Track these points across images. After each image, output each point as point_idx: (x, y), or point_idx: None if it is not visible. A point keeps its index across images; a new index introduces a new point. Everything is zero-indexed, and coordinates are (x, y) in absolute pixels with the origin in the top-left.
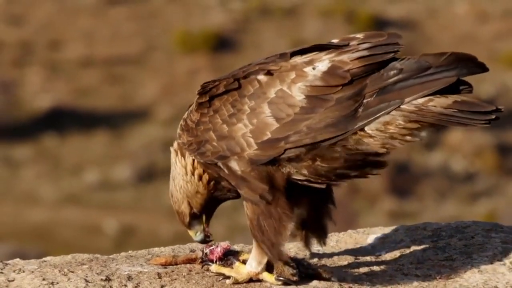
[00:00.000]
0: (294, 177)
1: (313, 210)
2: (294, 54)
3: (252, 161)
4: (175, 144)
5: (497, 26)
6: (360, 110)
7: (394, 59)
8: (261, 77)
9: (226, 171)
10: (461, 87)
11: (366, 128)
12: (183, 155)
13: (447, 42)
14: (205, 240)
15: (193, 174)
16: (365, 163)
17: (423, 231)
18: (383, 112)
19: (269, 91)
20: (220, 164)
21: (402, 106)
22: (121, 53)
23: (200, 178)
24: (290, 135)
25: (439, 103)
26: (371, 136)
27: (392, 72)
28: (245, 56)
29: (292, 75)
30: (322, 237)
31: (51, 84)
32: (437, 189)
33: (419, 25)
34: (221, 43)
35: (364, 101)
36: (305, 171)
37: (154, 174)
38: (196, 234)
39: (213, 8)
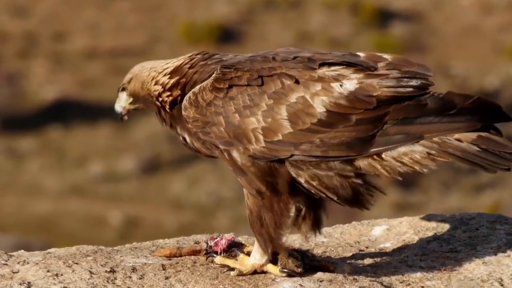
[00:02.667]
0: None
1: (309, 199)
2: (322, 64)
3: (256, 156)
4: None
5: (501, 18)
6: (377, 136)
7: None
8: (286, 80)
9: (226, 156)
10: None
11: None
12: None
13: (452, 34)
14: (119, 114)
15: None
16: (354, 200)
17: (427, 223)
18: (401, 144)
19: (291, 95)
20: (221, 148)
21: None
22: (125, 44)
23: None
24: (302, 143)
25: (464, 136)
26: (383, 160)
27: (415, 105)
28: (249, 48)
29: (318, 86)
30: (317, 226)
31: (55, 75)
32: (441, 181)
33: (423, 17)
34: (226, 35)
35: (383, 128)
36: (301, 180)
37: (159, 165)
38: (119, 103)
39: (217, 0)
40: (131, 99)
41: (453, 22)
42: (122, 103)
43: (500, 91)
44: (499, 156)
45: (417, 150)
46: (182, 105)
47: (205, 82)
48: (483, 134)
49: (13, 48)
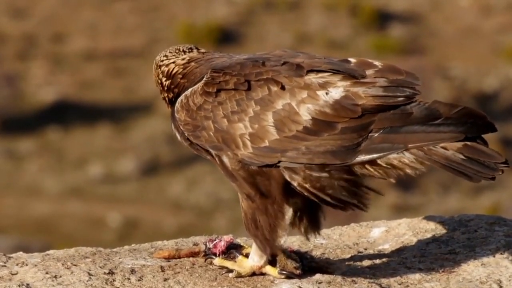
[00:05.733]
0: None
1: (306, 200)
2: (310, 70)
3: (245, 162)
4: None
5: (500, 19)
6: (363, 144)
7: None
8: (272, 86)
9: (217, 161)
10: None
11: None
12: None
13: (451, 35)
14: None
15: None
16: (349, 201)
17: (426, 224)
18: (386, 153)
19: (277, 102)
20: (212, 153)
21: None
22: (124, 46)
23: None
24: (288, 150)
25: (450, 144)
26: (375, 164)
27: (401, 114)
28: (248, 49)
29: (304, 94)
30: (316, 227)
31: (54, 77)
32: (440, 183)
33: (422, 18)
34: (225, 36)
35: (369, 136)
36: (294, 183)
37: (158, 167)
38: None
39: (217, 1)
40: None
41: (452, 24)
42: None
43: (499, 92)
44: (484, 165)
45: (405, 156)
46: (175, 108)
47: (196, 85)
48: (469, 143)
49: (12, 49)
